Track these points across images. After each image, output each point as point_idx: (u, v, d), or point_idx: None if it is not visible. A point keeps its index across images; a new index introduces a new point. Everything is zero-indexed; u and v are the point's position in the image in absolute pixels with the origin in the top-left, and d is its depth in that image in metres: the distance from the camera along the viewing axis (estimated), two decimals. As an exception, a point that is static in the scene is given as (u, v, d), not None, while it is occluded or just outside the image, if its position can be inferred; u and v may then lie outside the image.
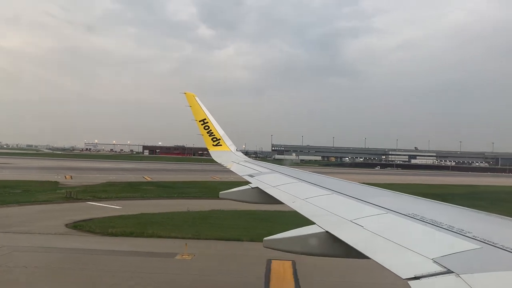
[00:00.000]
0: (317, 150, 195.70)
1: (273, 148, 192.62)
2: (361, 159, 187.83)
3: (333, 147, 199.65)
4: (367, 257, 4.00)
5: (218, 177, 70.53)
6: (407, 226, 4.72)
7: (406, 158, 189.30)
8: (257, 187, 9.60)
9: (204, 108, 16.36)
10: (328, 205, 6.39)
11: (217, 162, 15.60)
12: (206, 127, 16.13)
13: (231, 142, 16.81)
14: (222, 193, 10.58)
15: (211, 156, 15.87)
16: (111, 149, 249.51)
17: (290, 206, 7.09)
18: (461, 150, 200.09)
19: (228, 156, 15.82)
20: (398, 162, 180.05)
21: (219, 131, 16.39)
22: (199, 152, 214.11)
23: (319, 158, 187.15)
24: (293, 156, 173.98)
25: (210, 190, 48.63)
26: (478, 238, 3.79)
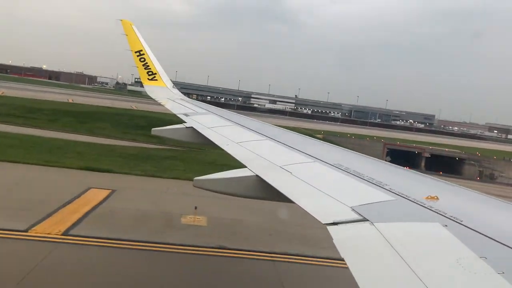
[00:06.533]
0: (183, 86, 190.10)
1: (136, 80, 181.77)
2: (222, 99, 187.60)
3: (203, 85, 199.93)
4: (292, 202, 4.16)
5: None
6: (332, 175, 4.95)
7: (266, 102, 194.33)
8: (191, 127, 9.45)
9: (141, 39, 15.33)
10: (260, 150, 6.49)
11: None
12: (142, 59, 15.21)
13: (167, 78, 16.13)
14: (154, 130, 10.31)
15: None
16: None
17: (224, 148, 7.10)
18: (324, 101, 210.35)
19: (164, 92, 15.25)
20: (255, 105, 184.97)
21: (156, 65, 15.57)
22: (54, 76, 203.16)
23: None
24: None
25: None
26: (394, 191, 4.08)
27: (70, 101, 75.52)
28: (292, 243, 14.65)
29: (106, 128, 45.66)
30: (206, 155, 32.52)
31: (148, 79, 15.38)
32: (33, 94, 74.41)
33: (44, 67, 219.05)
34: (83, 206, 15.82)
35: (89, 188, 18.09)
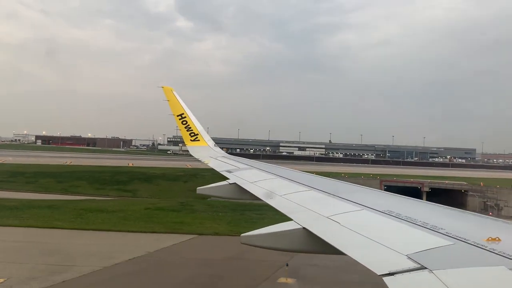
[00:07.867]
0: (214, 141, 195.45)
1: (168, 140, 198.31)
2: (252, 150, 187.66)
3: (233, 138, 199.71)
4: (343, 253, 4.04)
5: None
6: (383, 222, 4.79)
7: (296, 149, 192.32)
8: (235, 183, 9.57)
9: (182, 103, 16.15)
10: (305, 202, 6.42)
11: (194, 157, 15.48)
12: (184, 122, 15.93)
13: (209, 138, 16.67)
14: (199, 188, 10.50)
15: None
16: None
17: (268, 202, 7.09)
18: (358, 143, 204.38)
19: (206, 151, 15.70)
20: (284, 153, 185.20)
21: (197, 126, 16.22)
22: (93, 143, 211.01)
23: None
24: (177, 147, 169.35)
25: None
26: (450, 235, 3.88)
27: (69, 163, 78.40)
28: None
29: (81, 186, 48.71)
30: (92, 203, 34.03)
31: (190, 140, 15.97)
32: (34, 160, 78.76)
33: (89, 135, 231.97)
34: None
35: None
